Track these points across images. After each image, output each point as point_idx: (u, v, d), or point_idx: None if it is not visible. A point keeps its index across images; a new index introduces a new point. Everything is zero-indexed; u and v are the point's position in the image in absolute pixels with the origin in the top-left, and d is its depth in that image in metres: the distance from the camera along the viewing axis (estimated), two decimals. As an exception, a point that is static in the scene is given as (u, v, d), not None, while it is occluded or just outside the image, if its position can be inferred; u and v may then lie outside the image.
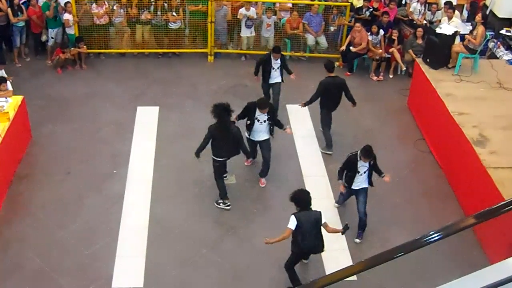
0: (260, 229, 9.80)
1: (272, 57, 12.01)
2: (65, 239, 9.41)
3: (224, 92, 13.88)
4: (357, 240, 9.66)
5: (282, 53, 12.20)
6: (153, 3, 14.81)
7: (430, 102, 12.14)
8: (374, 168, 9.46)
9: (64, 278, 8.68)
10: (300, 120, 12.75)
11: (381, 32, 14.67)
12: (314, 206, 10.17)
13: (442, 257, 8.81)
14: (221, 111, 9.63)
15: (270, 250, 9.34)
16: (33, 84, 13.80)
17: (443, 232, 3.61)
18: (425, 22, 15.30)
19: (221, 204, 10.22)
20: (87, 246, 9.28)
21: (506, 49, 14.96)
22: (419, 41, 14.36)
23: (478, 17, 13.13)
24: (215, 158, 9.97)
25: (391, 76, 15.00)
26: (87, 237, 9.45)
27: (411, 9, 15.65)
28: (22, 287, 8.54)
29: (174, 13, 14.87)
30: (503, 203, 3.72)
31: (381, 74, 14.89)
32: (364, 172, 9.36)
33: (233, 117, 10.14)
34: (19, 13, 14.20)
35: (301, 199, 8.26)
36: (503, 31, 15.60)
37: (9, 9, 14.06)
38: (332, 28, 15.62)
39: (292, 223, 8.10)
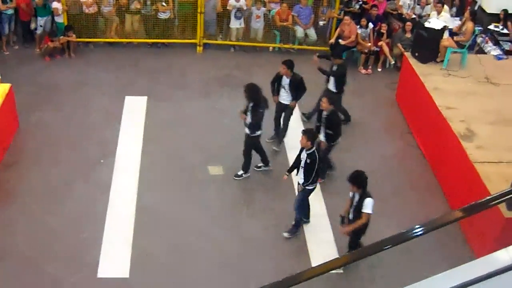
0: (247, 217, 9.87)
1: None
2: (52, 227, 9.37)
3: (213, 82, 13.88)
4: (285, 235, 9.47)
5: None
6: (142, -8, 14.76)
7: (418, 96, 12.19)
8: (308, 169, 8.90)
9: (50, 266, 8.65)
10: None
11: (370, 25, 14.72)
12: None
13: (427, 250, 8.90)
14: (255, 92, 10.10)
15: (258, 238, 9.42)
16: (21, 72, 13.69)
17: (429, 226, 3.64)
18: (414, 16, 15.37)
19: (262, 167, 10.99)
20: (74, 234, 9.25)
21: (494, 44, 15.05)
22: (408, 35, 14.41)
23: (467, 14, 13.22)
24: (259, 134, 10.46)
25: (379, 70, 15.05)
26: (74, 225, 9.42)
27: (400, 3, 15.71)
28: (8, 273, 8.51)
29: (163, 3, 14.81)
30: (488, 197, 3.75)
31: (370, 67, 14.93)
32: (302, 166, 9.01)
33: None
34: (8, 0, 14.08)
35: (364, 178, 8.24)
36: (491, 27, 15.70)
37: (-3, -4, 13.95)
38: (321, 23, 15.63)
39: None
